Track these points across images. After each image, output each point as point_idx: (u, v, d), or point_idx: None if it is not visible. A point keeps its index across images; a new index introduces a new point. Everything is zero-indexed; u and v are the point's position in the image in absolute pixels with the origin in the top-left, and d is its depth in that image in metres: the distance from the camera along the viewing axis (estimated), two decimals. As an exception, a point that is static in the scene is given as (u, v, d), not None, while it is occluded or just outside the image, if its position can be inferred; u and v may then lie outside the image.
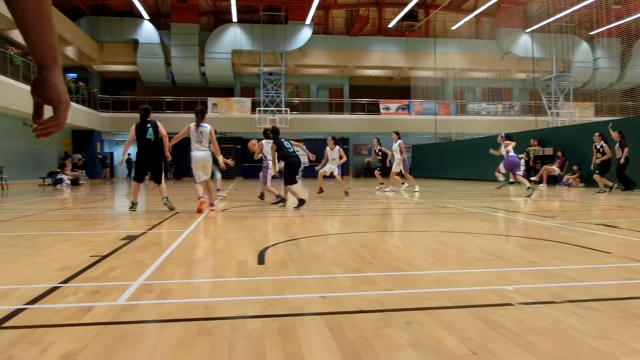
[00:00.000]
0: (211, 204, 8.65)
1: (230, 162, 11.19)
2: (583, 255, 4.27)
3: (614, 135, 13.45)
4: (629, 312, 2.60)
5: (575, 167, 16.43)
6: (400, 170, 13.71)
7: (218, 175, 12.11)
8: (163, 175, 8.83)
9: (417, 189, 13.44)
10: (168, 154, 8.68)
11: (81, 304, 2.83)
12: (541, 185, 16.92)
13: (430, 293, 3.04)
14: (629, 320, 2.48)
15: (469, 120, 32.40)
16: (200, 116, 8.36)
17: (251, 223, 6.88)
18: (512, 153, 12.45)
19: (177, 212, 8.35)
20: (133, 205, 8.51)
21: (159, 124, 8.58)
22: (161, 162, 8.73)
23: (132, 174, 8.72)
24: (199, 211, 8.09)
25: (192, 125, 8.38)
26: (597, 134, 13.59)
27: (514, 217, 7.49)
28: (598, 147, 13.27)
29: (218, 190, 12.22)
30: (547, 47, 31.62)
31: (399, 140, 13.48)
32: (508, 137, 13.01)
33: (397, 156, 13.53)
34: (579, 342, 2.17)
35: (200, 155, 8.37)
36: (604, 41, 33.59)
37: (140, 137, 8.46)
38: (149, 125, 8.48)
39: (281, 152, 9.30)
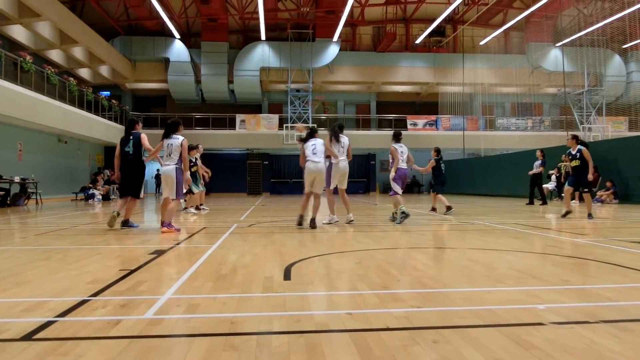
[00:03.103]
0: (168, 224, 7.72)
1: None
2: (617, 274, 4.14)
3: (538, 153, 15.63)
4: (668, 334, 2.50)
5: (608, 184, 16.02)
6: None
7: (196, 189, 12.58)
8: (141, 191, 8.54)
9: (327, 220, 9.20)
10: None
11: (110, 317, 2.87)
12: (573, 201, 16.51)
13: (459, 311, 2.99)
14: (668, 342, 2.38)
15: (498, 136, 31.98)
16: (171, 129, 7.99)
17: (278, 238, 6.90)
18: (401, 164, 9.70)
19: (204, 227, 8.43)
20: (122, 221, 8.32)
21: (142, 136, 8.38)
22: (137, 177, 8.41)
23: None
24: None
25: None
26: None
27: (545, 234, 7.32)
28: (440, 161, 12.15)
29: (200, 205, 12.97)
30: (579, 61, 31.10)
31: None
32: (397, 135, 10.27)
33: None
34: (615, 364, 2.09)
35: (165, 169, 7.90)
36: (638, 54, 32.90)
37: (122, 151, 8.36)
38: (130, 137, 8.36)
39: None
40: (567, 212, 10.16)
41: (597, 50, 30.76)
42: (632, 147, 15.90)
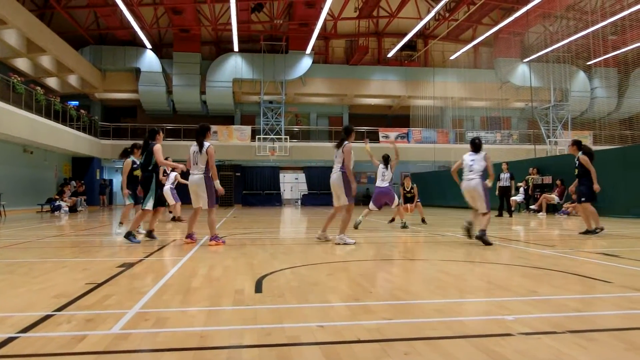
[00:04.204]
0: (214, 237, 7.53)
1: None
2: (583, 285, 4.23)
3: (503, 166, 16.19)
4: (632, 343, 2.56)
5: (574, 196, 16.41)
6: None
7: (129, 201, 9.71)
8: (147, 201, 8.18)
9: None
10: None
11: (75, 332, 2.78)
12: (540, 214, 16.88)
13: (430, 323, 3.00)
14: (632, 351, 2.43)
15: (468, 149, 32.44)
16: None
17: (249, 251, 6.84)
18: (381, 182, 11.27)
19: (175, 240, 8.30)
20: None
21: (155, 147, 8.14)
22: (142, 187, 8.32)
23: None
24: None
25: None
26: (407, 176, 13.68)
27: (513, 246, 7.45)
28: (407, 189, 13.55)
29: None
30: (545, 76, 31.99)
31: None
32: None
33: None
34: (582, 373, 2.13)
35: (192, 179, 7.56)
36: (601, 71, 33.98)
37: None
38: (147, 147, 8.30)
39: None
40: (594, 230, 9.01)
41: (562, 66, 31.71)
42: (596, 160, 16.33)
